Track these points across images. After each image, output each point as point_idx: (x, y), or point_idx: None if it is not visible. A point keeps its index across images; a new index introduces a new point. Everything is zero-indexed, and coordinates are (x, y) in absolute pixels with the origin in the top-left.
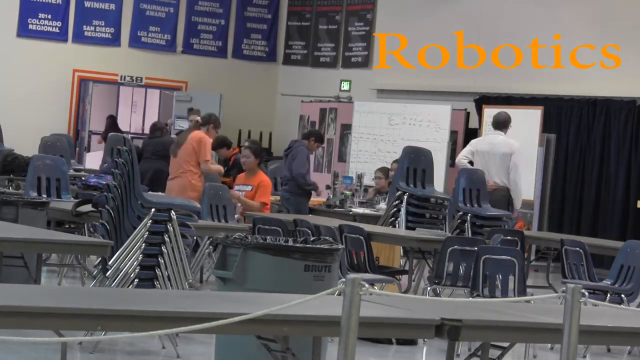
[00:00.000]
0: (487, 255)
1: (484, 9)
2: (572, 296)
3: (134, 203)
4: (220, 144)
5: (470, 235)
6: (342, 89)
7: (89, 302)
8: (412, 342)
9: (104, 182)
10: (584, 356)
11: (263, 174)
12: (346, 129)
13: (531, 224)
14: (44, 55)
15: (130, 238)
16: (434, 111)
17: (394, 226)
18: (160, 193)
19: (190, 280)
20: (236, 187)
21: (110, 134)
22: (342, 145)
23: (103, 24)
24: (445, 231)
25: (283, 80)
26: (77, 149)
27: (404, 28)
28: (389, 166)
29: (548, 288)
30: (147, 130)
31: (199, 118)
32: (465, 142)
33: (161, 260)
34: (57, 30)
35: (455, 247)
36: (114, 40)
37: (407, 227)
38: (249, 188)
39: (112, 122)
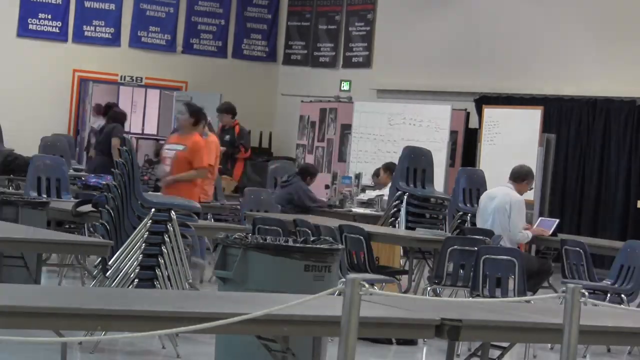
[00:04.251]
0: (487, 255)
1: (484, 9)
2: (572, 296)
3: (134, 203)
4: (226, 109)
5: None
6: (342, 89)
7: (89, 302)
8: (412, 342)
9: (104, 182)
10: (584, 356)
11: (198, 135)
12: (346, 129)
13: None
14: (44, 55)
15: (130, 238)
16: (434, 111)
17: (394, 226)
18: (160, 193)
19: (190, 280)
20: (166, 147)
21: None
22: (342, 145)
23: (103, 24)
24: (445, 231)
25: (283, 80)
26: (77, 149)
27: (404, 28)
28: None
29: (548, 288)
30: (147, 131)
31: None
32: (466, 142)
33: (161, 260)
34: (57, 30)
35: (455, 247)
36: (114, 40)
37: (407, 227)
38: (180, 147)
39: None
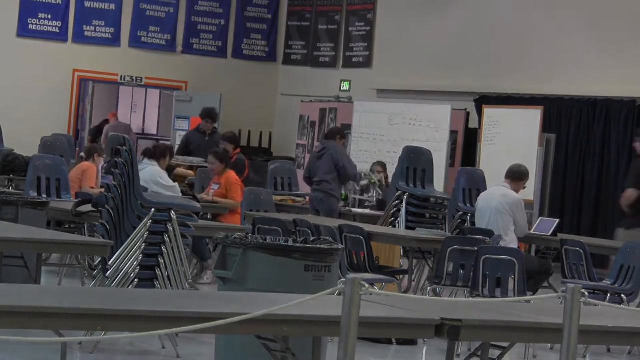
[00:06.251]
0: (487, 255)
1: (484, 9)
2: (572, 296)
3: (134, 203)
4: (229, 138)
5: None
6: (342, 89)
7: (89, 302)
8: (412, 342)
9: (104, 182)
10: (584, 356)
11: (231, 172)
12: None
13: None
14: (44, 55)
15: (130, 238)
16: (434, 111)
17: (394, 226)
18: (160, 193)
19: (190, 280)
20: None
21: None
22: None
23: (103, 24)
24: (445, 231)
25: (283, 80)
26: (77, 149)
27: (404, 28)
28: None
29: (548, 288)
30: (147, 131)
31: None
32: (466, 142)
33: (161, 260)
34: (57, 30)
35: (455, 247)
36: (114, 40)
37: (407, 227)
38: (216, 187)
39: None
